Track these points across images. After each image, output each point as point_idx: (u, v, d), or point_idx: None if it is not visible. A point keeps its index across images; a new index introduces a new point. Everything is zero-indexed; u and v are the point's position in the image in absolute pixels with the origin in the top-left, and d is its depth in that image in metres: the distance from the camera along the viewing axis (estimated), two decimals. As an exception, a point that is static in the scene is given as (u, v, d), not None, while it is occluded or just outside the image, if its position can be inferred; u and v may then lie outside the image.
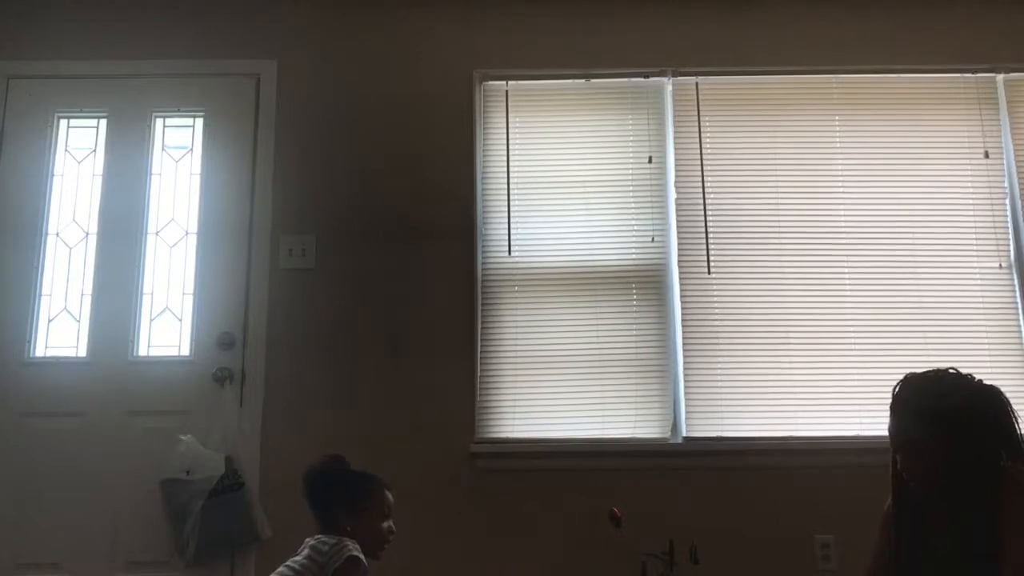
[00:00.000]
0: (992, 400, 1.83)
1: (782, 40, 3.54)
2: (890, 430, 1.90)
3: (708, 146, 3.45)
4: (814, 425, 3.21)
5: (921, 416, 1.83)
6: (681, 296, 3.33)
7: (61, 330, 3.34)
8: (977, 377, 1.87)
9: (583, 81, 3.52)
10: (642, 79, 3.51)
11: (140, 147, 3.46)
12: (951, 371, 1.88)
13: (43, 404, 3.23)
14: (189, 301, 3.34)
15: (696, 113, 3.47)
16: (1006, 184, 3.42)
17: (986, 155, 3.43)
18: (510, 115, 3.49)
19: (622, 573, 2.78)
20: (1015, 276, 3.33)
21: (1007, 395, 1.86)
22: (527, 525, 3.15)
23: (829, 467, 3.15)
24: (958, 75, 3.50)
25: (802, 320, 3.31)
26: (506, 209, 3.41)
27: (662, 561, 2.30)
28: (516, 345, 3.31)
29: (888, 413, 1.90)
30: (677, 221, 3.39)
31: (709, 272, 3.35)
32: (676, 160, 3.44)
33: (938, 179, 3.43)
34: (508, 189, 3.43)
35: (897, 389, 1.90)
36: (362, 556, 2.05)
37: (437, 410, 3.23)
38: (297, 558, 2.07)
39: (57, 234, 3.41)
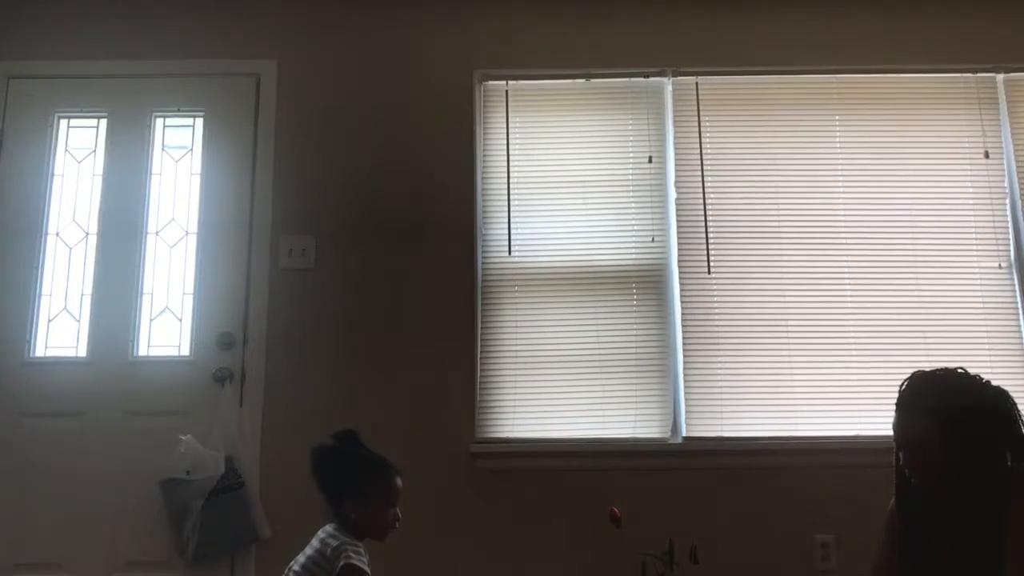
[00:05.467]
0: (998, 401, 1.83)
1: (782, 40, 3.54)
2: (895, 427, 1.90)
3: (708, 146, 3.45)
4: (814, 425, 3.21)
5: (926, 414, 1.83)
6: (681, 296, 3.33)
7: (61, 330, 3.34)
8: (984, 378, 1.87)
9: (583, 81, 3.52)
10: (642, 79, 3.51)
11: (140, 147, 3.46)
12: (959, 370, 1.87)
13: (43, 404, 3.22)
14: (189, 301, 3.34)
15: (696, 113, 3.47)
16: (1006, 184, 3.42)
17: (986, 155, 3.43)
18: (510, 115, 3.49)
19: (622, 573, 2.78)
20: (1015, 276, 3.33)
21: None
22: (527, 525, 3.15)
23: (829, 467, 3.15)
24: (958, 75, 3.50)
25: (802, 320, 3.31)
26: (506, 209, 3.41)
27: (662, 561, 2.29)
28: (516, 345, 3.31)
29: (892, 410, 1.90)
30: (677, 221, 3.39)
31: (709, 272, 3.35)
32: (676, 160, 3.44)
33: (938, 179, 3.43)
34: (508, 189, 3.43)
35: (903, 386, 1.90)
36: (363, 563, 2.03)
37: (437, 410, 3.23)
38: (308, 552, 2.08)
39: (57, 234, 3.41)
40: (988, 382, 1.86)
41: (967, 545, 1.79)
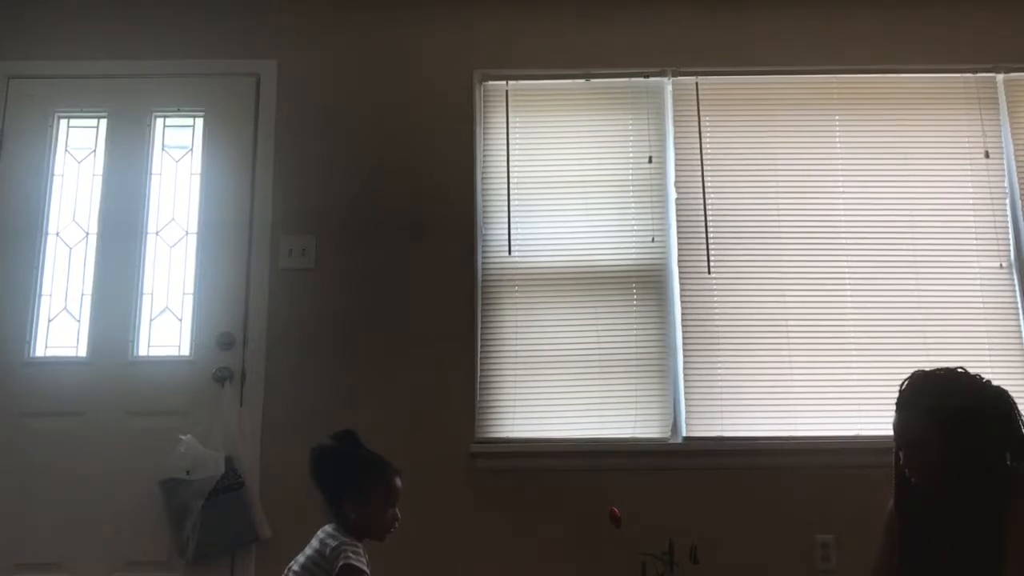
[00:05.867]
0: (998, 401, 1.83)
1: (782, 40, 3.54)
2: (895, 427, 1.90)
3: (708, 146, 3.45)
4: (814, 425, 3.21)
5: (926, 414, 1.83)
6: (681, 296, 3.33)
7: (61, 330, 3.34)
8: (985, 378, 1.86)
9: (583, 81, 3.52)
10: (642, 79, 3.51)
11: (140, 147, 3.46)
12: (959, 370, 1.87)
13: (43, 404, 3.22)
14: (189, 301, 3.34)
15: (696, 113, 3.47)
16: (1006, 184, 3.42)
17: (986, 155, 3.43)
18: (510, 115, 3.49)
19: (622, 573, 2.78)
20: (1015, 276, 3.33)
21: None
22: (527, 525, 3.15)
23: (829, 467, 3.15)
24: (958, 75, 3.50)
25: (802, 320, 3.31)
26: (506, 209, 3.41)
27: (662, 561, 2.29)
28: (516, 345, 3.30)
29: (893, 410, 1.90)
30: (677, 221, 3.39)
31: (709, 272, 3.35)
32: (676, 160, 3.44)
33: (938, 179, 3.43)
34: (508, 189, 3.43)
35: (904, 386, 1.90)
36: (361, 564, 2.03)
37: (437, 410, 3.23)
38: (308, 552, 2.08)
39: (57, 234, 3.41)
40: (988, 382, 1.86)
41: (967, 545, 1.79)
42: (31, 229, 3.37)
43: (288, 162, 3.43)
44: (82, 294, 3.35)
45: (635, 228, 3.40)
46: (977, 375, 1.87)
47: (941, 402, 1.82)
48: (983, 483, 1.78)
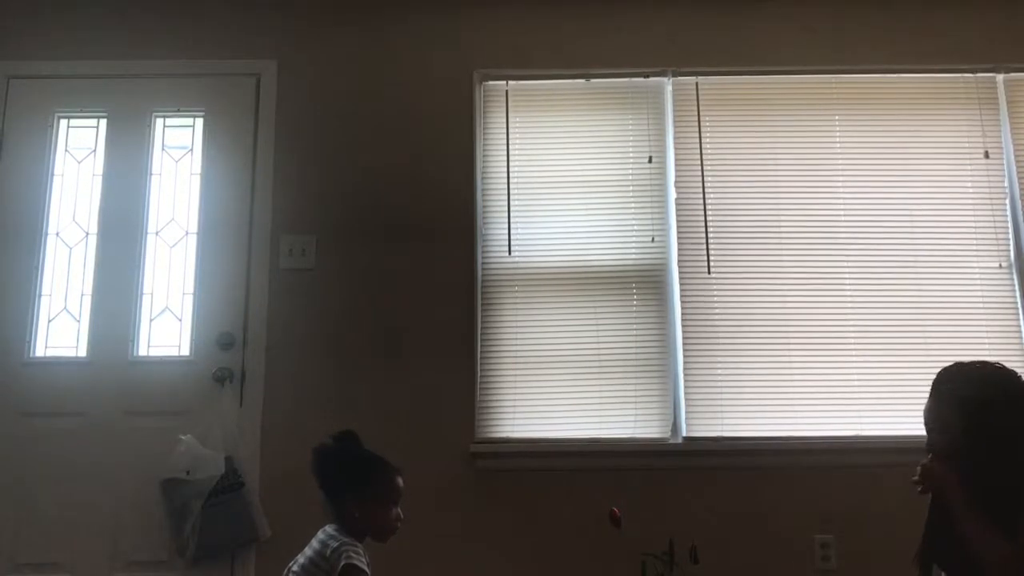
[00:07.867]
0: (1017, 401, 1.85)
1: (782, 40, 3.54)
2: (924, 411, 1.98)
3: (708, 146, 3.45)
4: (814, 425, 3.21)
5: (943, 398, 1.90)
6: (681, 296, 3.33)
7: (61, 330, 3.34)
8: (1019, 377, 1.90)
9: (583, 81, 3.52)
10: (642, 79, 3.51)
11: (140, 147, 3.46)
12: (996, 365, 1.93)
13: (43, 404, 3.23)
14: (189, 301, 3.34)
15: (696, 113, 3.47)
16: (1006, 184, 3.42)
17: (986, 155, 3.43)
18: (510, 115, 3.49)
19: (622, 573, 2.78)
20: (1015, 276, 3.33)
21: None
22: (527, 525, 3.15)
23: (829, 467, 3.15)
24: (958, 75, 3.50)
25: (802, 320, 3.31)
26: (506, 209, 3.41)
27: (662, 561, 2.30)
28: (516, 345, 3.30)
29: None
30: (677, 221, 3.39)
31: (709, 272, 3.35)
32: (676, 160, 3.44)
33: (938, 179, 3.43)
34: (508, 189, 3.43)
35: (941, 371, 1.97)
36: (362, 564, 2.03)
37: (437, 410, 3.23)
38: (308, 552, 2.08)
39: (57, 234, 3.41)
40: (1015, 379, 1.89)
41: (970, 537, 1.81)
42: (31, 229, 3.37)
43: (288, 162, 3.43)
44: (82, 294, 3.35)
45: (635, 228, 3.40)
46: (1010, 373, 1.91)
47: (957, 389, 1.89)
48: (993, 475, 1.80)
